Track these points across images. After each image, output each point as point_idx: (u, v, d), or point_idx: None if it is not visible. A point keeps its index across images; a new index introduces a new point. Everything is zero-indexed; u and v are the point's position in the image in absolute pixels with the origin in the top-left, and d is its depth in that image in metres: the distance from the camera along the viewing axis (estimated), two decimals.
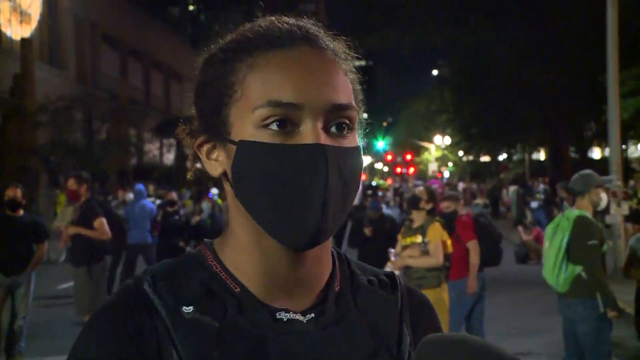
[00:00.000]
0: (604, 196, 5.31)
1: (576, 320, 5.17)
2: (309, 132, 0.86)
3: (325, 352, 0.89)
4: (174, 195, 10.97)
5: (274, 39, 0.89)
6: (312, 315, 0.91)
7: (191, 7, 61.23)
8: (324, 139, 0.86)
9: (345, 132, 0.89)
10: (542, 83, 24.51)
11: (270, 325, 0.88)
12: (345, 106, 0.88)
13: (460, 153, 43.65)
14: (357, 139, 0.93)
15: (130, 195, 11.84)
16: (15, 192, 7.11)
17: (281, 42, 0.89)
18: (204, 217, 10.76)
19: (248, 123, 0.87)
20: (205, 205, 11.14)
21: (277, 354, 0.87)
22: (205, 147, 0.94)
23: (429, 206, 6.54)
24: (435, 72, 42.32)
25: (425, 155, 53.44)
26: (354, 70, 0.96)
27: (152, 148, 32.93)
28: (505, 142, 33.86)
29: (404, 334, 0.97)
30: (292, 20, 0.93)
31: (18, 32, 24.36)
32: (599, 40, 14.32)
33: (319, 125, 0.86)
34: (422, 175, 51.09)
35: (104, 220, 7.31)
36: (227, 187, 0.94)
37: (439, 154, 49.46)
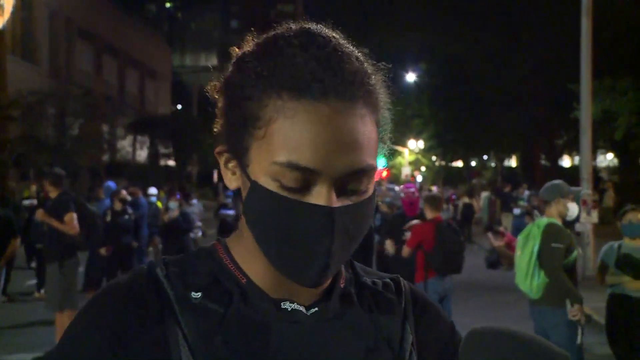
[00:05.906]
0: (571, 206, 5.41)
1: (548, 327, 5.24)
2: (322, 194, 0.85)
3: (326, 342, 0.92)
4: (124, 192, 10.37)
5: (305, 86, 0.84)
6: (316, 309, 0.94)
7: (168, 5, 60.89)
8: (336, 202, 0.86)
9: (362, 189, 0.89)
10: (516, 91, 24.84)
11: (274, 314, 0.92)
12: (365, 170, 0.87)
13: (434, 158, 43.90)
14: (373, 183, 0.91)
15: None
16: None
17: (312, 93, 0.84)
18: (173, 215, 10.53)
19: (264, 170, 0.86)
20: (172, 204, 10.98)
21: (278, 341, 0.90)
22: (225, 156, 0.94)
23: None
24: (410, 78, 42.47)
25: (399, 159, 53.65)
26: (387, 100, 0.94)
27: (125, 145, 32.62)
28: (478, 148, 34.19)
29: (407, 333, 0.99)
30: (330, 49, 0.87)
31: None
32: (573, 51, 14.53)
33: (333, 188, 0.86)
34: (395, 178, 51.29)
35: (74, 215, 7.26)
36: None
37: (412, 158, 49.67)
